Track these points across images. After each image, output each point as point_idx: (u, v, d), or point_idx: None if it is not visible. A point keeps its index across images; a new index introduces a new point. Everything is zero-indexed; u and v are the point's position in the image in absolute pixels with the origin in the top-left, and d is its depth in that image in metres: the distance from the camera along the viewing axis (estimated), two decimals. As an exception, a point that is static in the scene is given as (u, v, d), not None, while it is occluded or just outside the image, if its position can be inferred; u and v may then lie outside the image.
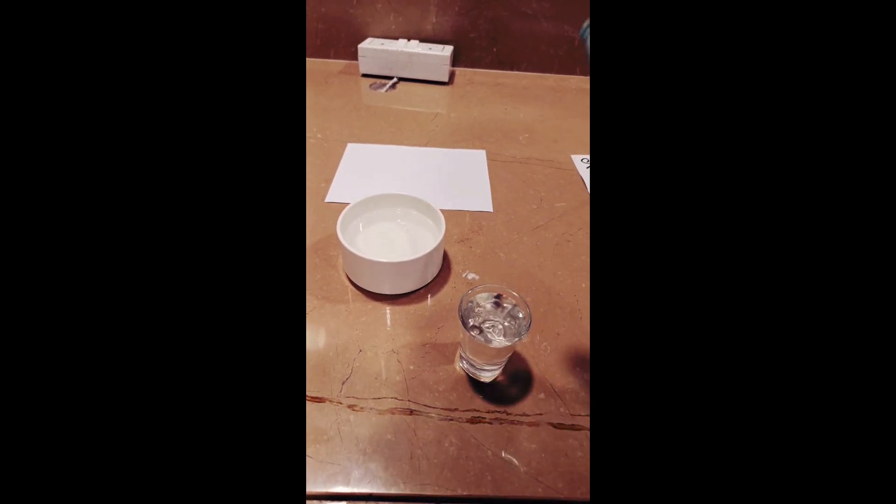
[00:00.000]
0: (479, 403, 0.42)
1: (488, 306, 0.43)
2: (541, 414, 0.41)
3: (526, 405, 0.42)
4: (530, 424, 0.40)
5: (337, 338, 0.47)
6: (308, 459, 0.37)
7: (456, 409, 0.41)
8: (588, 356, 0.46)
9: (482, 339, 0.39)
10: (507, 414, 0.41)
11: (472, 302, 0.42)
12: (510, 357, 0.44)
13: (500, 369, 0.43)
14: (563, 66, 1.12)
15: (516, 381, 0.44)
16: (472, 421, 0.40)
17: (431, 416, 0.40)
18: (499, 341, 0.41)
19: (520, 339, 0.39)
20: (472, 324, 0.41)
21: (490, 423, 0.40)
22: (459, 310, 0.40)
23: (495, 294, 0.43)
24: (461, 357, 0.44)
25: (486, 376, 0.43)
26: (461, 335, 0.42)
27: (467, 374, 0.44)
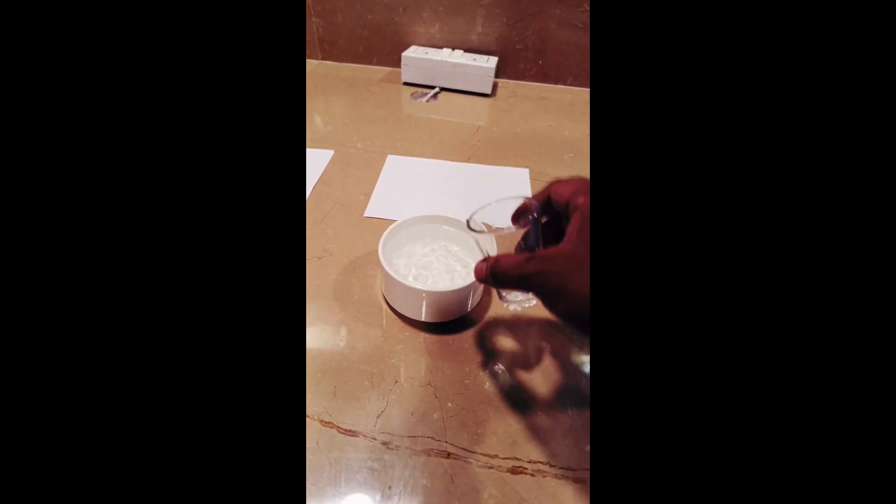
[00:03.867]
0: (521, 451, 0.39)
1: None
2: (587, 469, 0.38)
3: (572, 457, 0.39)
4: (576, 480, 0.37)
5: (373, 366, 0.45)
6: (339, 501, 0.35)
7: (496, 456, 0.38)
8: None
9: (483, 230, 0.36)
10: (551, 466, 0.38)
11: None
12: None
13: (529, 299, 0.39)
14: (611, 82, 1.08)
15: (559, 427, 0.41)
16: (514, 471, 0.38)
17: (470, 462, 0.38)
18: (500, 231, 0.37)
19: (526, 228, 0.35)
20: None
21: (532, 476, 0.37)
22: (468, 222, 0.37)
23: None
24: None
25: (513, 304, 0.40)
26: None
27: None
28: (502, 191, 0.72)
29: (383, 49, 1.11)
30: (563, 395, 0.43)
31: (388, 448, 0.39)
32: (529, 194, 0.71)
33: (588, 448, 0.39)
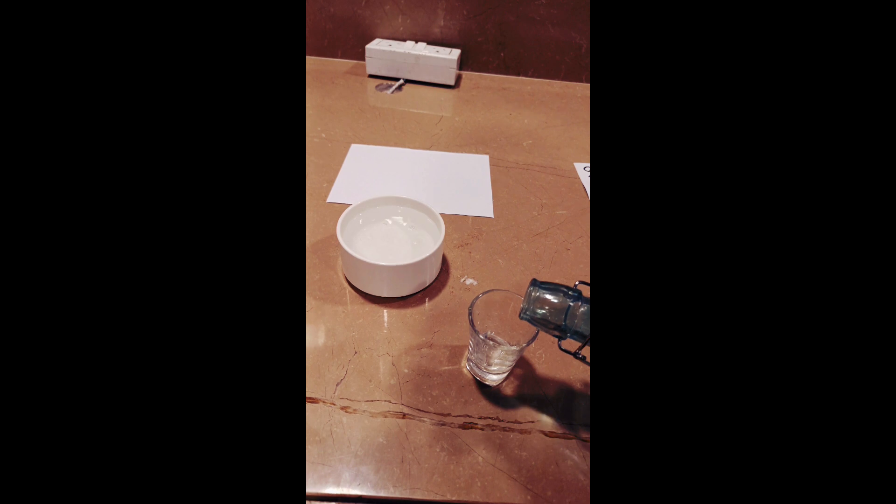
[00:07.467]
0: (472, 409, 0.42)
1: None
2: (532, 422, 0.41)
3: (518, 413, 0.42)
4: (522, 432, 0.40)
5: (333, 339, 0.47)
6: (300, 460, 0.37)
7: (448, 415, 0.41)
8: (580, 365, 0.46)
9: (491, 343, 0.39)
10: (500, 421, 0.41)
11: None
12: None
13: (508, 373, 0.44)
14: (570, 73, 1.12)
15: (510, 388, 0.44)
16: (464, 427, 0.40)
17: (424, 421, 0.40)
18: (506, 346, 0.41)
19: (528, 345, 0.39)
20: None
21: (482, 430, 0.40)
22: (470, 312, 0.40)
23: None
24: (468, 359, 0.45)
25: (492, 379, 0.43)
26: (470, 338, 0.42)
27: (473, 377, 0.44)
28: (463, 175, 0.75)
29: (347, 42, 1.12)
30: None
31: (346, 412, 0.41)
32: (488, 178, 0.74)
33: (534, 404, 0.42)
